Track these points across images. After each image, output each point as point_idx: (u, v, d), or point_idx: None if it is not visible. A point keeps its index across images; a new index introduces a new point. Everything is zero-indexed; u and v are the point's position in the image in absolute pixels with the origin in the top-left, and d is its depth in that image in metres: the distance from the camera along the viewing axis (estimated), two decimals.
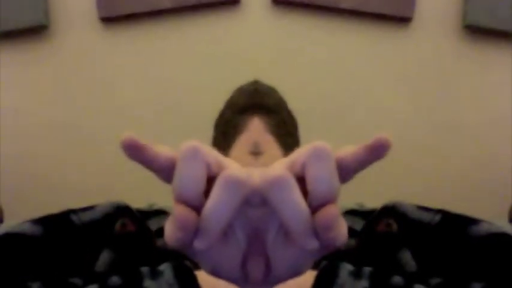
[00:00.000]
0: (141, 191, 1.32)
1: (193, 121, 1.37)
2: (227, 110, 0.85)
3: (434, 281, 0.61)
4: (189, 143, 0.28)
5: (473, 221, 0.63)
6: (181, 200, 0.28)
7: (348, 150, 0.30)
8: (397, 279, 0.59)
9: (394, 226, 0.65)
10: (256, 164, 0.76)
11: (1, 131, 1.37)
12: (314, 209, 0.29)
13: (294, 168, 0.30)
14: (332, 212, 0.28)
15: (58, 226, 0.61)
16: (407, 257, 0.64)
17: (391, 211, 0.67)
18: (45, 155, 1.38)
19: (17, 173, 1.38)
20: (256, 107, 0.82)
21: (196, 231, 0.28)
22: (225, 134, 0.81)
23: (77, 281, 0.58)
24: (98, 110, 1.39)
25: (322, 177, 0.28)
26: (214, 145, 0.83)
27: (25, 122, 1.38)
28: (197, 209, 0.28)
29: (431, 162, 1.41)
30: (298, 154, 0.30)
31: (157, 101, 1.39)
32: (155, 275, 0.59)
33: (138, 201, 0.73)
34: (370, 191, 1.36)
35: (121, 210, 0.65)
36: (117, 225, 0.62)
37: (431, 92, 1.41)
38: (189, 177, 0.28)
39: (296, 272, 0.31)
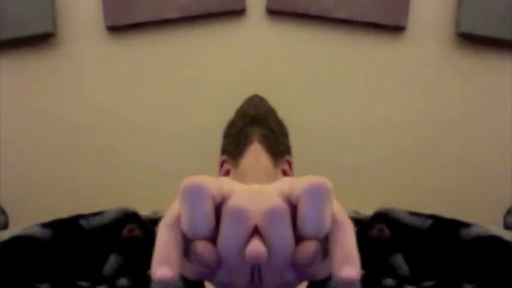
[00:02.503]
0: (146, 197, 1.32)
1: (198, 128, 1.38)
2: (237, 121, 0.88)
3: (427, 283, 0.62)
4: (190, 181, 0.28)
5: (464, 225, 0.64)
6: (197, 238, 0.29)
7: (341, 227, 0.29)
8: (389, 281, 0.60)
9: (387, 231, 0.66)
10: (256, 174, 0.78)
11: (8, 137, 1.37)
12: (300, 239, 0.29)
13: (290, 198, 0.30)
14: (311, 250, 0.28)
15: (67, 230, 0.62)
16: (400, 262, 0.64)
17: (383, 217, 0.68)
18: (52, 161, 1.39)
19: (24, 180, 1.38)
20: (253, 118, 0.85)
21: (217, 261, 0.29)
22: (235, 143, 0.83)
23: (84, 283, 0.59)
24: (104, 116, 1.39)
25: (311, 218, 0.28)
26: (224, 152, 0.86)
27: (32, 128, 1.39)
28: (211, 239, 0.29)
29: (425, 169, 1.42)
30: (296, 186, 0.30)
31: (163, 109, 1.40)
32: None
33: (144, 208, 0.74)
34: (368, 194, 1.37)
35: (129, 216, 0.66)
36: (125, 231, 0.63)
37: (426, 99, 1.41)
38: (200, 216, 0.28)
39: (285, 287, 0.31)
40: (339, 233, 0.29)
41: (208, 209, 0.28)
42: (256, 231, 0.29)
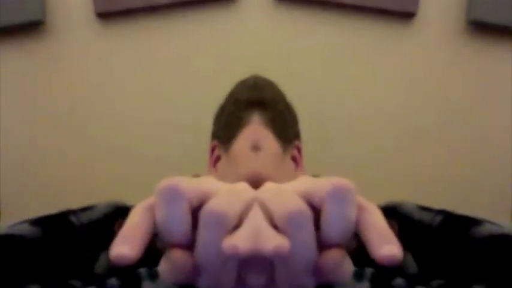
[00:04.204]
0: (142, 188, 1.32)
1: (191, 116, 1.36)
2: (229, 104, 0.85)
3: (436, 283, 0.60)
4: (165, 183, 0.28)
5: (476, 222, 0.63)
6: (173, 242, 0.28)
7: (370, 230, 0.28)
8: (398, 281, 0.59)
9: (395, 227, 0.65)
10: (256, 159, 0.75)
11: None
12: (323, 244, 0.28)
13: (311, 199, 0.29)
14: (335, 257, 0.28)
15: (57, 227, 0.61)
16: (408, 260, 0.63)
17: (392, 212, 0.66)
18: (42, 150, 1.38)
19: (16, 169, 1.37)
20: (255, 101, 0.82)
21: (195, 267, 0.28)
22: (227, 127, 0.80)
23: (76, 283, 0.58)
24: (96, 105, 1.38)
25: (337, 222, 0.28)
26: (214, 137, 0.83)
27: (22, 117, 1.37)
28: (189, 244, 0.29)
29: (434, 157, 1.41)
30: (319, 186, 0.29)
31: (154, 97, 1.38)
32: (154, 276, 0.58)
33: (137, 200, 0.73)
34: (370, 188, 1.35)
35: (120, 211, 0.64)
36: (116, 227, 0.61)
37: (435, 86, 1.39)
38: (174, 220, 0.28)
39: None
40: (367, 216, 0.29)
41: (183, 213, 0.28)
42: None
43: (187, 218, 0.28)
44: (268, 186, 0.30)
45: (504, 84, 1.39)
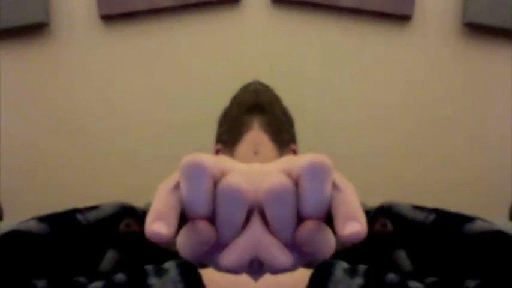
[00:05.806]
0: (143, 188, 1.32)
1: (193, 118, 1.37)
2: (232, 109, 0.87)
3: (430, 279, 0.61)
4: (190, 158, 0.28)
5: (468, 219, 0.63)
6: (197, 216, 0.28)
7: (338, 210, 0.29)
8: (391, 276, 0.60)
9: (390, 226, 0.65)
10: (255, 161, 0.77)
11: (1, 128, 1.37)
12: (300, 217, 0.29)
13: (290, 175, 0.29)
14: (310, 229, 0.28)
15: (64, 225, 0.62)
16: (402, 257, 0.64)
17: (386, 211, 0.67)
18: (45, 152, 1.39)
19: (17, 170, 1.38)
20: (256, 106, 0.84)
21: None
22: (230, 131, 0.83)
23: (82, 279, 0.59)
24: (98, 106, 1.39)
25: (312, 197, 0.28)
26: (218, 141, 0.85)
27: (24, 118, 1.38)
28: (211, 218, 0.29)
29: (430, 159, 1.42)
30: (297, 164, 0.29)
31: (156, 97, 1.39)
32: (160, 272, 0.59)
33: (140, 199, 0.74)
34: (369, 188, 1.36)
35: (126, 211, 0.65)
36: (122, 226, 0.62)
37: (432, 89, 1.40)
38: (199, 195, 0.28)
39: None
40: (339, 195, 0.29)
41: (207, 188, 0.28)
42: (256, 211, 0.29)
43: (211, 192, 0.28)
44: (254, 166, 0.31)
45: (501, 84, 1.40)
